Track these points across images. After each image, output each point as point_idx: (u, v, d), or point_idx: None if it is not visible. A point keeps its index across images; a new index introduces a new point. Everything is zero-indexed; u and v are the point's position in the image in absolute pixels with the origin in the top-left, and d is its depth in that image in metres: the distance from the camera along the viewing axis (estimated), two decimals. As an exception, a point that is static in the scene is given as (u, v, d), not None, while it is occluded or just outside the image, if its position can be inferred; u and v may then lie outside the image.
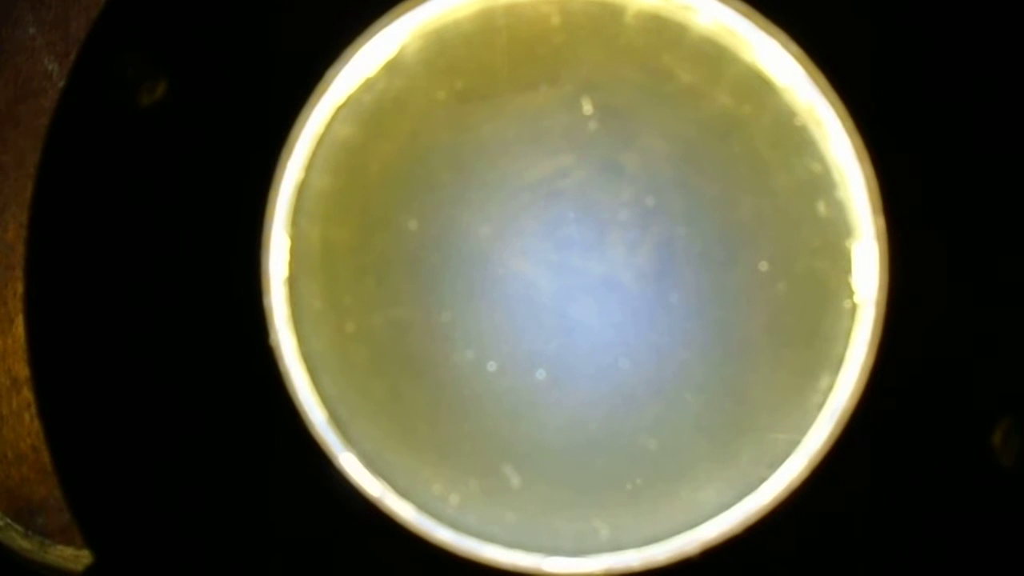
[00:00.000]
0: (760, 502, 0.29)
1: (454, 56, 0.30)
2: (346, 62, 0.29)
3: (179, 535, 0.30)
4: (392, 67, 0.29)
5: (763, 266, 0.30)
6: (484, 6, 0.30)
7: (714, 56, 0.30)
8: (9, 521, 0.41)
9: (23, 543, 0.41)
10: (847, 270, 0.29)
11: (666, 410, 0.29)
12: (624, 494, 0.30)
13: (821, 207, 0.29)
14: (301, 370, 0.30)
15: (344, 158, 0.30)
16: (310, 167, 0.30)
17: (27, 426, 0.40)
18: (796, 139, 0.30)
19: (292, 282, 0.30)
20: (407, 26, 0.30)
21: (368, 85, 0.30)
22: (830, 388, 0.29)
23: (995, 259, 0.29)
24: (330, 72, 0.29)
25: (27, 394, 0.39)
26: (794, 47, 0.29)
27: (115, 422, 0.30)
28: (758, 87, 0.30)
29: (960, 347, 0.29)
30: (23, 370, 0.38)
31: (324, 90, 0.29)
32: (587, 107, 0.30)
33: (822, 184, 0.29)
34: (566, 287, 0.30)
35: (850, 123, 0.28)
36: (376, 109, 0.30)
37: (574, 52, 0.30)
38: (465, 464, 0.31)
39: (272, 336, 0.30)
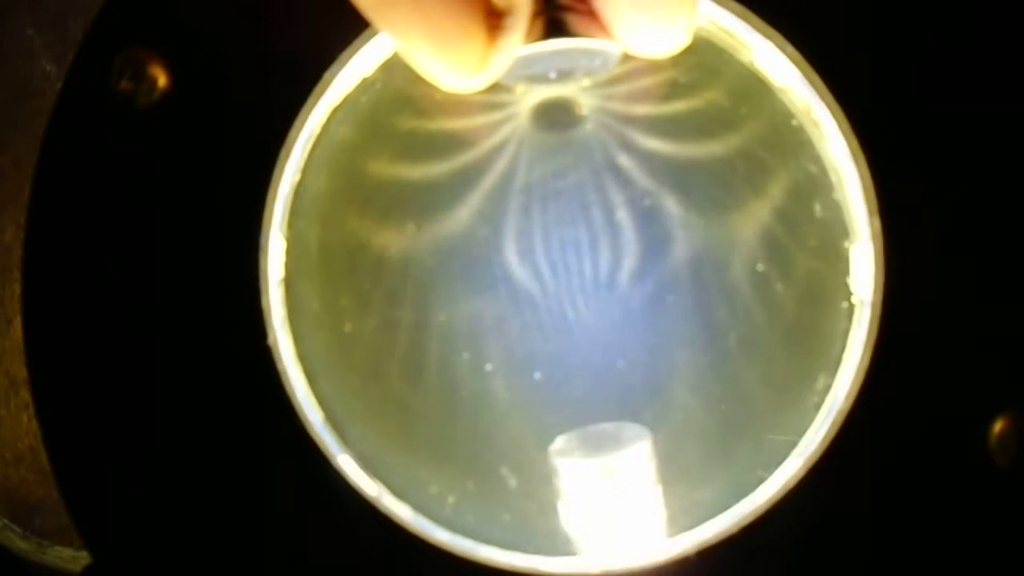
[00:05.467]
0: (757, 503, 0.29)
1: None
2: (344, 63, 0.29)
3: (176, 536, 0.30)
4: (389, 67, 0.29)
5: (759, 267, 0.30)
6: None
7: (711, 57, 0.30)
8: (7, 522, 0.41)
9: (22, 544, 0.41)
10: (844, 271, 0.29)
11: (662, 411, 0.29)
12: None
13: (818, 208, 0.30)
14: (298, 371, 0.30)
15: (341, 159, 0.30)
16: (307, 168, 0.30)
17: (25, 427, 0.41)
18: (793, 140, 0.30)
19: (289, 283, 0.30)
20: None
21: (365, 86, 0.30)
22: (827, 389, 0.29)
23: (992, 260, 0.29)
24: (327, 73, 0.29)
25: (25, 395, 0.39)
26: (790, 49, 0.29)
27: (112, 423, 0.30)
28: (755, 88, 0.30)
29: (956, 348, 0.29)
30: (21, 371, 0.38)
31: (322, 91, 0.29)
32: (584, 107, 0.30)
33: (819, 185, 0.29)
34: (563, 288, 0.30)
35: (846, 124, 0.28)
36: (373, 110, 0.30)
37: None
38: (462, 465, 0.31)
39: (270, 337, 0.30)
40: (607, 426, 0.30)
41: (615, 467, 0.28)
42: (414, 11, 0.21)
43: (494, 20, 0.22)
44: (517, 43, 0.23)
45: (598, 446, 0.29)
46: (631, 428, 0.30)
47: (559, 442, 0.30)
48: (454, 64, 0.22)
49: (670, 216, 0.30)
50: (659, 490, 0.29)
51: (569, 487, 0.29)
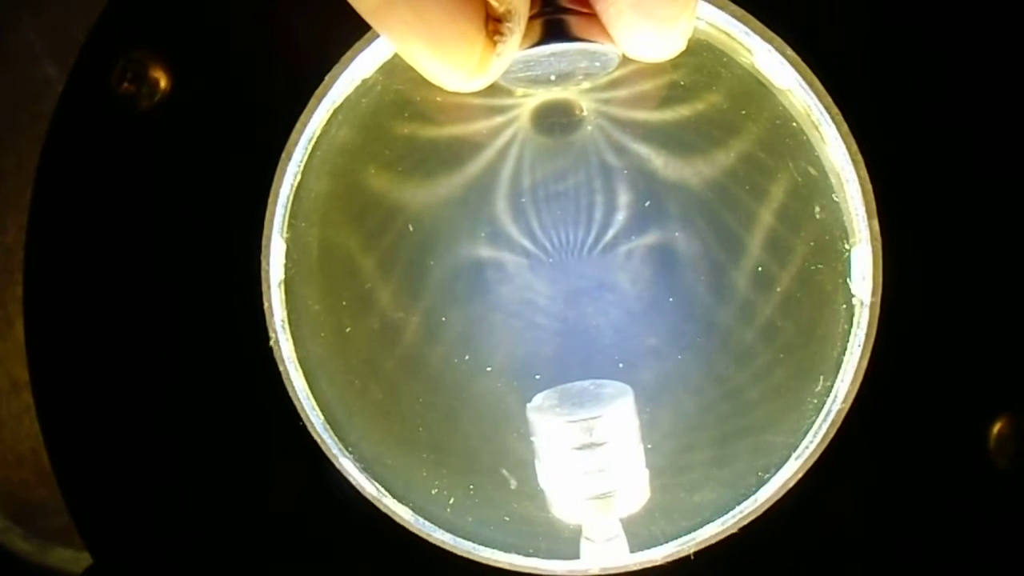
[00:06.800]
0: (756, 503, 0.29)
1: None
2: (344, 65, 0.29)
3: (177, 537, 0.31)
4: (389, 70, 0.29)
5: (759, 269, 0.30)
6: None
7: (711, 60, 0.30)
8: (10, 523, 0.41)
9: (23, 545, 0.42)
10: (843, 273, 0.29)
11: (663, 412, 0.30)
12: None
13: (817, 210, 0.30)
14: (299, 373, 0.30)
15: (341, 161, 0.30)
16: (307, 170, 0.30)
17: (27, 429, 0.41)
18: (793, 142, 0.30)
19: (290, 285, 0.30)
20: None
21: (365, 88, 0.30)
22: (827, 390, 0.29)
23: (989, 262, 0.29)
24: (328, 75, 0.29)
25: (27, 397, 0.39)
26: (790, 52, 0.29)
27: (114, 425, 0.30)
28: (755, 91, 0.30)
29: (956, 349, 0.29)
30: (23, 373, 0.38)
31: (322, 93, 0.29)
32: (585, 110, 0.30)
33: (818, 187, 0.30)
34: (563, 290, 0.30)
35: (846, 127, 0.29)
36: (373, 112, 0.30)
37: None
38: (463, 466, 0.31)
39: (271, 339, 0.30)
40: (587, 384, 0.29)
41: (595, 425, 0.28)
42: (412, 15, 0.21)
43: (492, 24, 0.22)
44: (515, 46, 0.23)
45: (578, 404, 0.28)
46: (611, 386, 0.29)
47: (537, 399, 0.29)
48: (452, 66, 0.23)
49: (670, 218, 0.30)
50: (641, 449, 0.29)
51: (547, 445, 0.28)
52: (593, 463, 0.28)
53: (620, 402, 0.28)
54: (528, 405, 0.29)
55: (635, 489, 0.28)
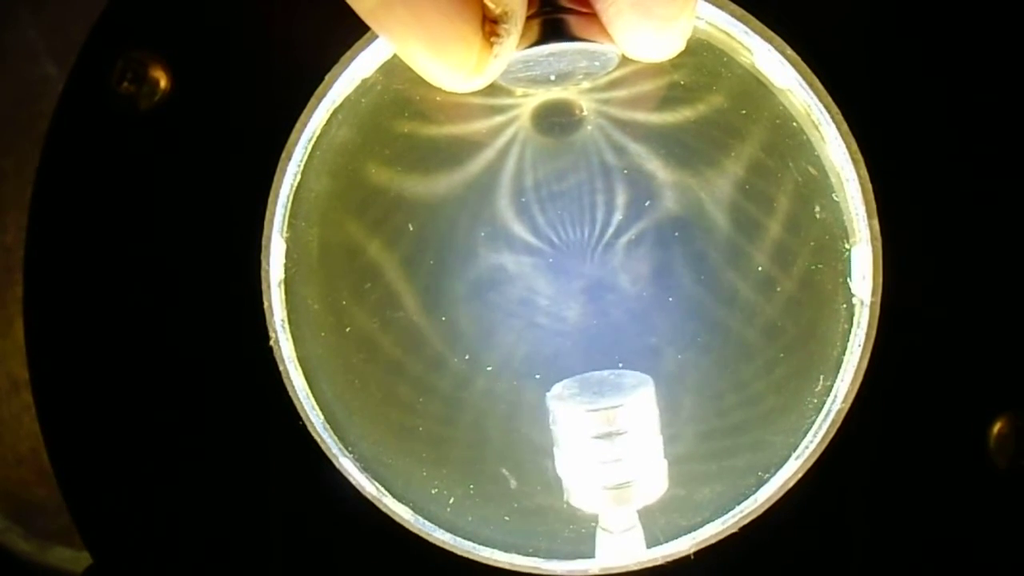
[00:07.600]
0: (756, 503, 0.29)
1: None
2: (344, 65, 0.29)
3: (177, 537, 0.31)
4: (389, 70, 0.29)
5: (760, 268, 0.30)
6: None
7: (711, 60, 0.30)
8: (10, 523, 0.41)
9: (23, 545, 0.42)
10: (843, 273, 0.29)
11: (663, 411, 0.30)
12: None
13: (817, 210, 0.30)
14: (298, 372, 0.30)
15: (341, 160, 0.30)
16: (307, 169, 0.30)
17: (26, 428, 0.41)
18: (793, 142, 0.30)
19: (289, 284, 0.30)
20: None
21: (365, 88, 0.30)
22: (826, 390, 0.29)
23: (989, 262, 0.29)
24: (328, 75, 0.29)
25: (26, 396, 0.39)
26: (790, 51, 0.29)
27: (114, 425, 0.30)
28: (755, 91, 0.30)
29: (955, 349, 0.29)
30: (23, 373, 0.38)
31: (322, 93, 0.29)
32: (585, 110, 0.30)
33: (818, 187, 0.30)
34: (563, 290, 0.30)
35: (846, 127, 0.29)
36: (373, 112, 0.30)
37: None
38: (463, 465, 0.31)
39: (271, 338, 0.30)
40: (607, 373, 0.29)
41: (616, 414, 0.28)
42: (409, 16, 0.22)
43: (489, 25, 0.22)
44: (512, 47, 0.23)
45: (599, 392, 0.28)
46: (632, 376, 0.29)
47: (557, 388, 0.29)
48: (450, 67, 0.23)
49: (670, 217, 0.30)
50: (660, 440, 0.29)
51: (566, 434, 0.28)
52: (612, 452, 0.28)
53: (641, 391, 0.28)
54: (548, 393, 0.29)
55: (653, 479, 0.28)
